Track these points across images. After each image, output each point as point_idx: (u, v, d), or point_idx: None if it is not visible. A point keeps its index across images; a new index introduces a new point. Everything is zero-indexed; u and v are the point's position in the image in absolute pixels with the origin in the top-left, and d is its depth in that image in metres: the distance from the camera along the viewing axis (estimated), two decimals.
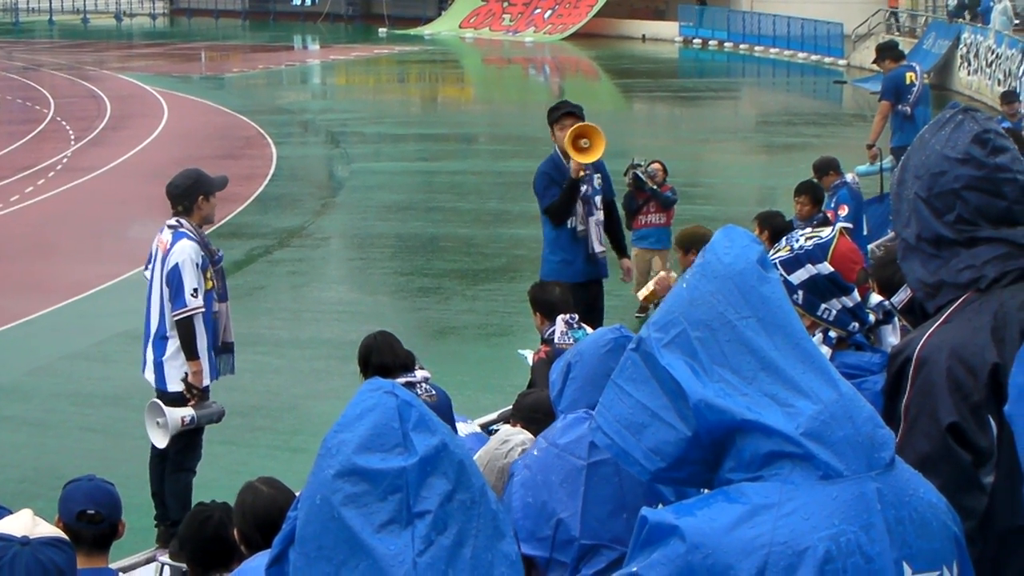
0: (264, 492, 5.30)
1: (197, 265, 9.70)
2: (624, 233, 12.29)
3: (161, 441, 9.60)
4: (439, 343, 16.23)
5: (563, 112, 11.54)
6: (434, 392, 8.11)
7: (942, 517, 2.78)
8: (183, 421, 9.57)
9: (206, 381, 9.84)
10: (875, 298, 4.42)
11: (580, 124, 11.34)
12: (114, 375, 15.23)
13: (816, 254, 4.24)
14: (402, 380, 7.84)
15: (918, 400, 3.32)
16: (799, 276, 4.22)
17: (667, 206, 15.56)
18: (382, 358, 8.09)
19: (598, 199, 11.59)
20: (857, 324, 4.23)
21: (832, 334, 4.23)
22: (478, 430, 8.92)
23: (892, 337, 4.56)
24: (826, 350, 4.12)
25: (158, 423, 9.58)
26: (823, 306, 4.19)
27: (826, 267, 4.21)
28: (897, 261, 3.60)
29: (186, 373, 9.76)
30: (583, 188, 11.44)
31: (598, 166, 11.64)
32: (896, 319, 4.55)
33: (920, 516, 2.71)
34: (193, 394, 9.73)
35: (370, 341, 8.22)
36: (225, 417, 10.01)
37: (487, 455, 6.07)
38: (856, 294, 4.23)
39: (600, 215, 11.59)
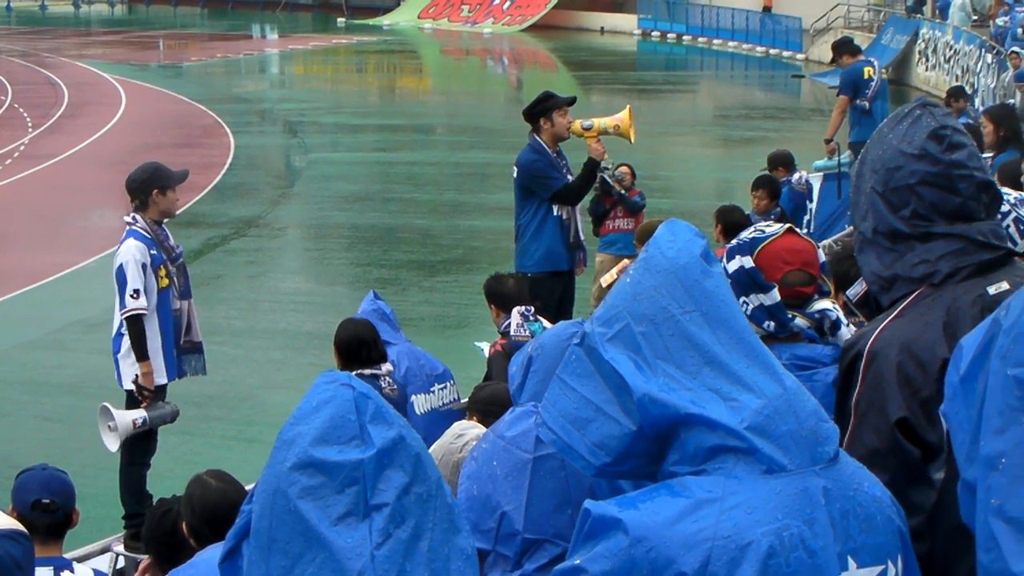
0: (212, 485, 5.22)
1: (144, 265, 9.49)
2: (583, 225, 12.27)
3: (112, 445, 9.48)
4: None
5: (567, 99, 11.42)
6: (396, 386, 8.09)
7: (886, 511, 2.78)
8: (135, 424, 9.41)
9: (160, 380, 9.65)
10: (820, 305, 4.32)
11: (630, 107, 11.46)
12: (70, 363, 15.19)
13: (746, 247, 4.26)
14: (368, 372, 7.83)
15: (868, 394, 3.32)
16: (731, 266, 4.23)
17: (635, 211, 14.76)
18: (370, 352, 8.05)
19: None
20: (774, 324, 4.22)
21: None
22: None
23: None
24: None
25: (109, 427, 9.48)
26: (742, 299, 4.17)
27: (748, 261, 4.23)
28: (854, 254, 3.62)
29: (136, 374, 9.56)
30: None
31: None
32: (844, 329, 4.43)
33: (864, 510, 2.71)
34: (144, 395, 9.54)
35: (359, 331, 8.09)
36: (180, 408, 9.95)
37: (441, 449, 6.07)
38: (775, 294, 4.19)
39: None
